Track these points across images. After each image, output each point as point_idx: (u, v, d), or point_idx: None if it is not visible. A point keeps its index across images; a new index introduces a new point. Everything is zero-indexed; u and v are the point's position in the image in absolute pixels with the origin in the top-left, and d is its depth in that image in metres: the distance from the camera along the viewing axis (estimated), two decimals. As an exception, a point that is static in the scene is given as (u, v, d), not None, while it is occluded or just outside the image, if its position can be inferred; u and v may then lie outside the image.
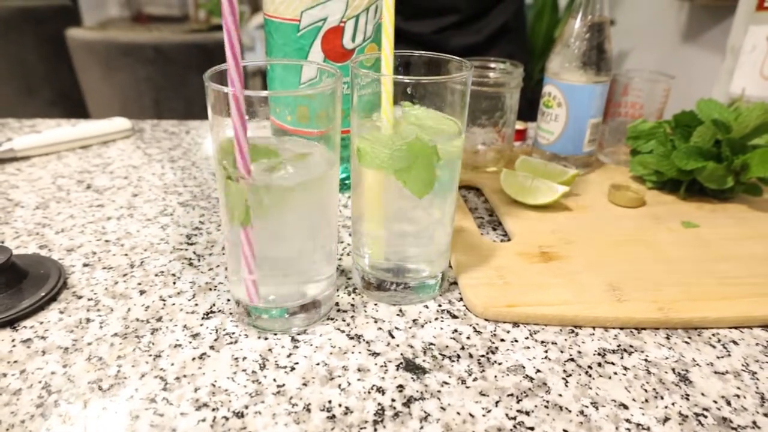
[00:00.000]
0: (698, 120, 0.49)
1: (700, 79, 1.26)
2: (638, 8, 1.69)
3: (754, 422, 0.29)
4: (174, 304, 0.36)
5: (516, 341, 0.34)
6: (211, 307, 0.36)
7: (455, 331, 0.35)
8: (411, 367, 0.32)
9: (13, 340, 0.32)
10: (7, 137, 0.63)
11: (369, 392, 0.30)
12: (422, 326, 0.35)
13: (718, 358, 0.33)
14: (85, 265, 0.40)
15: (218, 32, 1.63)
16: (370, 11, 0.45)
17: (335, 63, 0.46)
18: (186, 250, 0.42)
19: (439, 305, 0.37)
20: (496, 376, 0.31)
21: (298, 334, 0.34)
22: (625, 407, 0.29)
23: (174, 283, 0.38)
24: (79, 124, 0.65)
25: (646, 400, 0.30)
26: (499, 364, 0.32)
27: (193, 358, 0.31)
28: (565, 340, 0.34)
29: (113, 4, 6.79)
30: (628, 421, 0.28)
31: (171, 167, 0.57)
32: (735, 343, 0.35)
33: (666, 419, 0.29)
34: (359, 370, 0.31)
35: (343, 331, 0.34)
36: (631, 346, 0.34)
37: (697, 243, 0.44)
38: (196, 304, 0.36)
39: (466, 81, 0.34)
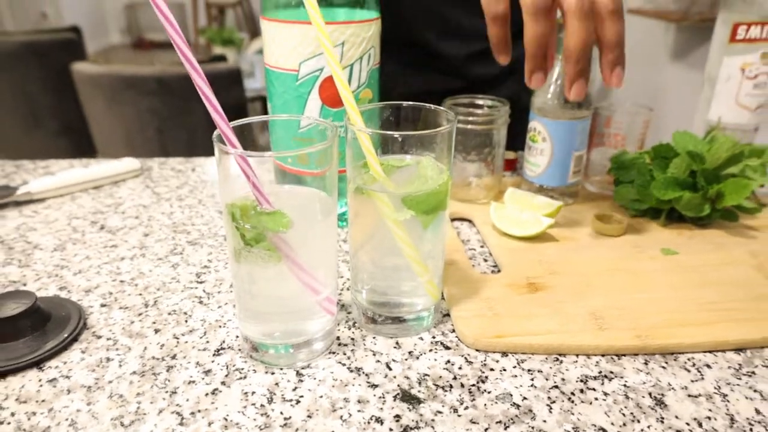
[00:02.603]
0: (675, 151, 0.52)
1: (688, 95, 1.30)
2: (627, 28, 1.73)
3: (722, 442, 0.31)
4: (186, 341, 0.39)
5: (504, 370, 0.37)
6: (221, 344, 0.39)
7: (448, 361, 0.38)
8: (407, 397, 0.34)
9: (40, 380, 0.35)
10: (23, 179, 0.66)
11: (369, 422, 0.32)
12: (417, 358, 0.38)
13: (692, 381, 0.36)
14: (103, 305, 0.43)
15: (219, 62, 1.67)
16: (363, 60, 0.48)
17: (332, 108, 0.49)
18: (196, 288, 0.45)
19: (433, 337, 0.40)
20: (485, 405, 0.34)
21: (303, 369, 0.37)
22: (605, 431, 0.32)
23: (186, 321, 0.41)
24: (90, 165, 0.69)
25: (624, 424, 0.32)
26: (489, 392, 0.35)
27: (206, 394, 0.34)
28: (550, 367, 0.37)
29: (114, 31, 6.91)
30: (606, 444, 0.31)
31: (179, 206, 0.60)
32: (708, 366, 0.38)
33: (641, 441, 0.31)
34: (359, 401, 0.34)
35: (344, 365, 0.37)
36: (611, 372, 0.37)
37: (676, 270, 0.46)
38: (207, 342, 0.39)
39: (451, 131, 0.37)
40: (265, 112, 2.91)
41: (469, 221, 0.57)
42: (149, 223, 0.56)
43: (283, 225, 0.33)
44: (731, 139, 0.53)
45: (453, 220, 0.57)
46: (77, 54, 2.17)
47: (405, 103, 0.40)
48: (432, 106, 0.39)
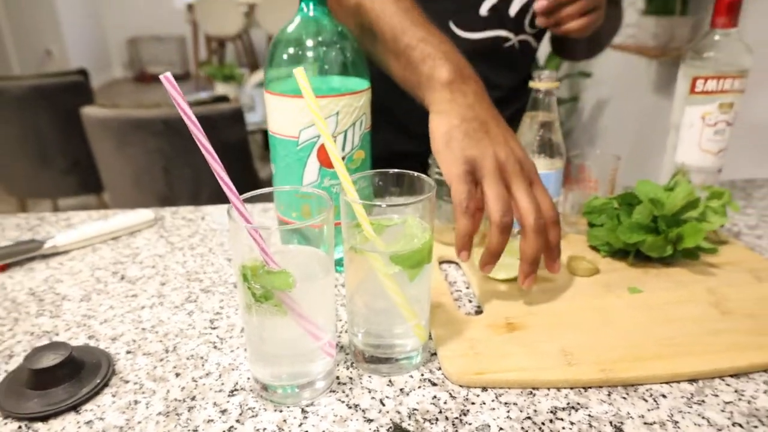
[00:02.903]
0: (638, 199, 0.58)
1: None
2: (613, 62, 1.80)
3: (669, 465, 0.36)
4: (204, 384, 0.44)
5: (484, 403, 0.42)
6: (234, 386, 0.44)
7: (434, 397, 0.43)
8: (399, 430, 0.39)
9: (78, 423, 0.40)
10: (46, 231, 0.72)
11: (364, 454, 0.37)
12: (407, 394, 0.43)
13: (648, 410, 0.41)
14: (128, 352, 0.48)
15: (222, 103, 1.75)
16: (356, 125, 0.55)
17: (329, 169, 0.55)
18: (210, 334, 0.51)
19: (422, 375, 0.45)
20: (465, 436, 0.39)
21: (307, 406, 0.42)
22: (568, 457, 0.37)
23: (203, 365, 0.46)
24: (108, 216, 0.74)
25: (585, 450, 0.38)
26: (470, 424, 0.40)
27: (223, 431, 0.39)
28: (524, 400, 0.42)
29: (117, 65, 7.06)
30: (568, 468, 0.36)
31: (191, 254, 0.66)
32: (664, 396, 0.43)
33: (599, 465, 0.36)
34: (356, 435, 0.39)
35: (343, 402, 0.42)
36: (578, 403, 0.42)
37: (640, 307, 0.52)
38: (223, 384, 0.44)
39: (431, 197, 0.42)
40: (266, 143, 2.97)
41: (456, 263, 0.63)
42: (165, 272, 0.62)
43: (289, 285, 0.38)
44: (689, 186, 0.59)
45: (441, 263, 0.63)
46: (84, 95, 2.26)
47: (391, 171, 0.45)
48: (415, 174, 0.45)
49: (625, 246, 0.58)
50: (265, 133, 3.90)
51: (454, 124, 0.50)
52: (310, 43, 0.54)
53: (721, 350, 0.46)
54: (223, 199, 0.42)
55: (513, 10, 0.79)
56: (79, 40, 6.12)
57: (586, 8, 0.70)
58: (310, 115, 0.52)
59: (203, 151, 0.39)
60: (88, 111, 1.70)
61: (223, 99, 1.79)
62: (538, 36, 0.87)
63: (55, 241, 0.65)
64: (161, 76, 0.37)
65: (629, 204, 0.58)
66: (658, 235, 0.56)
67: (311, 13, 0.53)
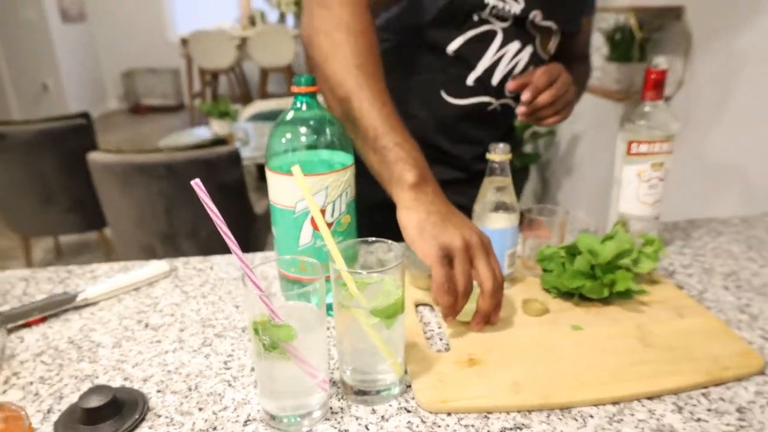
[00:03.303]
0: (579, 249, 0.69)
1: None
2: (584, 102, 1.94)
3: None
4: (223, 416, 0.55)
5: (448, 426, 0.53)
6: (248, 417, 0.54)
7: (409, 422, 0.53)
8: (379, 450, 0.50)
9: (124, 450, 0.51)
10: (75, 283, 0.82)
11: (352, 469, 0.48)
12: (387, 420, 0.54)
13: (577, 429, 0.52)
14: (158, 391, 0.59)
15: (220, 146, 1.86)
16: (342, 196, 0.66)
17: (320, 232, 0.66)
18: (225, 373, 0.61)
19: (399, 404, 0.56)
20: (431, 452, 0.49)
21: (306, 433, 0.52)
22: (510, 467, 0.48)
23: (220, 400, 0.57)
24: (128, 269, 0.85)
25: (524, 461, 0.48)
26: (435, 443, 0.50)
27: (241, 454, 0.50)
28: (480, 422, 0.53)
29: (112, 97, 7.20)
30: (510, 475, 0.47)
31: (204, 302, 0.76)
32: (591, 416, 0.53)
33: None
34: (346, 454, 0.49)
35: (335, 428, 0.53)
36: (523, 424, 0.53)
37: (579, 343, 0.63)
38: (238, 416, 0.55)
39: (402, 264, 0.54)
40: (262, 176, 3.10)
41: (430, 306, 0.74)
42: (183, 320, 0.72)
43: (291, 336, 0.49)
44: (625, 236, 0.71)
45: (417, 305, 0.74)
46: (87, 136, 2.37)
47: (370, 239, 0.57)
48: (389, 242, 0.56)
49: (570, 289, 0.69)
50: (259, 166, 4.02)
51: (422, 217, 0.63)
52: (303, 130, 0.65)
53: (640, 378, 0.57)
54: (221, 239, 0.53)
55: (495, 80, 0.91)
56: (75, 74, 6.25)
57: (560, 108, 0.87)
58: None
59: (224, 238, 0.49)
60: (94, 156, 1.81)
61: (222, 142, 1.91)
62: (517, 98, 0.99)
63: (86, 293, 0.76)
64: (192, 183, 0.48)
65: (572, 254, 0.70)
66: (595, 281, 0.67)
67: (304, 108, 0.65)
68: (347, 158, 0.68)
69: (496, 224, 0.71)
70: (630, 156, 0.80)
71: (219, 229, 0.50)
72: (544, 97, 0.85)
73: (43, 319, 0.73)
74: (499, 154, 0.70)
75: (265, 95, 6.00)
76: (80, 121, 2.33)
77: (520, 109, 0.86)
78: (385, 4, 0.91)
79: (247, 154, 2.92)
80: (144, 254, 1.97)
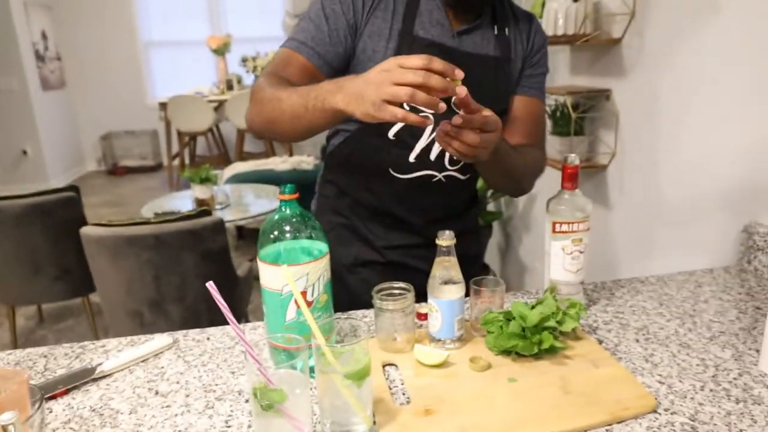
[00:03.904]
0: (512, 315, 0.86)
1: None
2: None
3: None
4: (227, 466, 0.68)
5: (407, 465, 0.67)
6: (248, 466, 0.68)
7: (376, 463, 0.68)
8: (353, 486, 0.64)
9: (150, 497, 0.64)
10: (89, 357, 0.95)
11: (332, 502, 0.62)
12: (359, 463, 0.68)
13: (507, 462, 0.67)
14: (173, 448, 0.72)
15: (206, 216, 2.01)
16: (320, 279, 0.82)
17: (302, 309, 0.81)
18: (227, 431, 0.75)
19: (369, 449, 0.70)
20: (394, 486, 0.64)
21: (295, 475, 0.66)
22: (454, 494, 0.62)
23: (225, 453, 0.70)
24: (135, 344, 0.98)
25: (465, 489, 0.63)
26: (397, 479, 0.65)
27: (244, 495, 0.63)
28: (433, 461, 0.67)
29: (91, 159, 7.30)
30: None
31: (204, 370, 0.90)
32: (519, 452, 0.68)
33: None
34: (327, 491, 0.63)
35: (318, 471, 0.67)
36: (465, 461, 0.67)
37: (512, 393, 0.78)
38: (240, 465, 0.68)
39: (366, 339, 0.69)
40: (241, 235, 3.27)
41: (395, 365, 0.88)
42: (187, 386, 0.86)
43: (283, 399, 0.64)
44: (552, 302, 0.87)
45: (384, 365, 0.88)
46: (75, 209, 2.50)
47: (344, 317, 0.72)
48: (357, 322, 0.72)
49: (507, 348, 0.85)
50: (240, 229, 4.15)
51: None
52: (287, 227, 0.82)
53: (560, 419, 0.73)
54: (207, 303, 0.67)
55: (433, 156, 1.10)
56: (54, 139, 6.37)
57: (479, 144, 0.88)
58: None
59: (232, 327, 0.64)
60: (87, 230, 1.94)
61: (206, 212, 2.06)
62: (464, 170, 1.15)
63: (102, 367, 0.89)
64: (208, 284, 0.63)
65: (508, 319, 0.86)
66: (526, 340, 0.84)
67: (287, 211, 0.81)
68: (324, 247, 0.84)
69: (447, 296, 0.87)
70: (555, 233, 0.98)
71: (229, 322, 0.65)
72: (479, 120, 0.87)
73: (67, 391, 0.85)
74: (445, 239, 0.87)
75: (242, 154, 6.19)
76: (70, 194, 2.46)
77: (455, 119, 0.86)
78: None
79: (228, 217, 3.07)
80: (131, 319, 2.08)
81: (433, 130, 1.08)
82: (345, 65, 1.08)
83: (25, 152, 6.08)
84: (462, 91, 0.80)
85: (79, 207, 2.51)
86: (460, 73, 0.78)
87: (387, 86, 0.77)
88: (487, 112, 0.88)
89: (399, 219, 1.17)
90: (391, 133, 1.08)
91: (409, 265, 1.18)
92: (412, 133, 1.08)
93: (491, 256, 2.84)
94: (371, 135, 1.10)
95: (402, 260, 1.19)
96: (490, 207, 2.73)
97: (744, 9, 1.23)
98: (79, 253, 2.05)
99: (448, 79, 0.78)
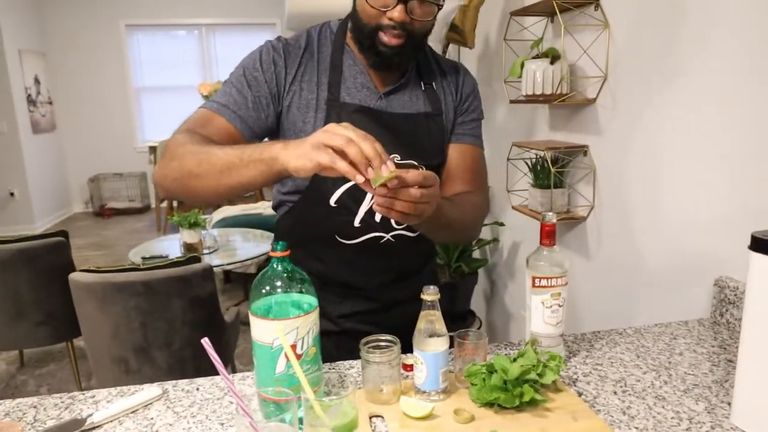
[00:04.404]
0: (494, 368, 0.89)
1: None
2: (518, 218, 2.23)
3: None
4: None
5: None
6: None
7: None
8: None
9: None
10: (79, 408, 0.96)
11: None
12: None
13: None
14: (162, 501, 0.73)
15: (195, 263, 2.03)
16: (309, 332, 0.85)
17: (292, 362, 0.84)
18: (216, 484, 0.76)
19: (355, 502, 0.72)
20: None
21: None
22: None
23: (214, 507, 0.72)
24: (125, 394, 1.00)
25: None
26: None
27: None
28: None
29: (78, 201, 7.30)
30: None
31: (193, 422, 0.91)
32: (500, 505, 0.71)
33: None
34: None
35: None
36: None
37: (495, 445, 0.81)
38: None
39: (354, 392, 0.72)
40: (228, 279, 3.30)
41: (382, 417, 0.91)
42: (176, 438, 0.87)
43: (273, 452, 0.66)
44: (532, 355, 0.91)
45: (371, 417, 0.91)
46: (63, 254, 2.50)
47: (332, 371, 0.75)
48: (345, 375, 0.75)
49: (490, 400, 0.88)
50: (228, 274, 4.15)
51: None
52: (278, 282, 0.85)
53: (539, 471, 0.75)
54: (194, 349, 0.70)
55: (378, 217, 1.11)
56: (42, 181, 6.38)
57: (413, 211, 0.86)
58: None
59: (225, 382, 0.67)
60: (75, 276, 1.96)
61: (195, 258, 2.08)
62: (408, 228, 1.15)
63: (93, 418, 0.90)
64: (203, 341, 0.66)
65: (490, 371, 0.90)
66: (508, 393, 0.87)
67: (279, 267, 0.85)
68: (313, 301, 0.87)
69: (432, 349, 0.91)
70: (534, 288, 1.02)
71: (223, 377, 0.67)
72: (411, 175, 0.84)
73: (57, 443, 0.86)
74: (430, 294, 0.91)
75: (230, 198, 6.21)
76: (59, 239, 2.47)
77: (378, 198, 0.84)
78: None
79: (216, 261, 3.09)
80: (116, 366, 2.06)
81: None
82: (266, 133, 1.11)
83: (12, 194, 6.07)
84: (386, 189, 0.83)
85: (68, 252, 2.52)
86: (387, 168, 0.81)
87: (328, 138, 0.81)
88: (417, 174, 0.85)
89: (351, 285, 1.18)
90: (332, 201, 1.09)
91: (362, 331, 1.10)
92: (353, 197, 1.10)
93: (477, 303, 2.87)
94: (313, 204, 1.11)
95: (356, 327, 1.18)
96: (476, 254, 2.78)
97: (709, 72, 1.32)
98: (65, 298, 2.05)
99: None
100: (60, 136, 6.94)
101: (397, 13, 1.00)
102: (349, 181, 1.04)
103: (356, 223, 1.11)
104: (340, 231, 1.13)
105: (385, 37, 1.03)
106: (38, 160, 6.31)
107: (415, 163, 1.12)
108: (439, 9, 1.05)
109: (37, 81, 6.42)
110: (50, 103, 6.76)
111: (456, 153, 1.18)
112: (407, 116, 1.13)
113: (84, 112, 6.97)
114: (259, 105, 1.07)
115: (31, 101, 6.24)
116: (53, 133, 6.80)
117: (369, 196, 1.09)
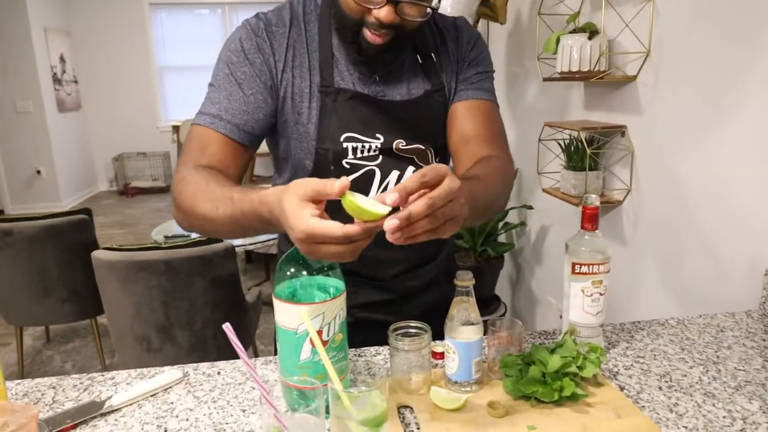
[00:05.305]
0: (532, 360, 0.83)
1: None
2: (548, 200, 2.15)
3: None
4: None
5: None
6: None
7: None
8: None
9: None
10: (98, 390, 0.94)
11: None
12: None
13: None
14: (181, 492, 0.70)
15: (216, 243, 2.00)
16: (336, 318, 0.80)
17: (317, 349, 0.79)
18: (237, 475, 0.73)
19: (384, 499, 0.68)
20: None
21: None
22: None
23: (235, 499, 0.68)
24: (145, 376, 0.97)
25: None
26: None
27: None
28: None
29: (103, 180, 7.37)
30: None
31: (214, 407, 0.88)
32: (540, 508, 0.66)
33: None
34: None
35: None
36: None
37: (533, 442, 0.76)
38: None
39: (385, 381, 0.67)
40: (249, 259, 3.29)
41: (411, 408, 0.86)
42: (197, 424, 0.84)
43: (298, 445, 0.62)
44: (572, 346, 0.85)
45: (399, 407, 0.86)
46: (87, 232, 2.50)
47: (361, 359, 0.70)
48: (375, 363, 0.70)
49: (527, 393, 0.82)
50: (247, 251, 4.16)
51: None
52: (303, 264, 0.80)
53: (582, 472, 0.70)
54: (215, 328, 0.66)
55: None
56: (67, 159, 6.45)
57: (439, 222, 0.69)
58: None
59: (248, 370, 0.63)
60: (98, 254, 1.94)
61: (217, 239, 2.05)
62: None
63: (111, 401, 0.87)
64: (224, 326, 0.62)
65: (527, 363, 0.84)
66: (546, 386, 0.81)
67: (305, 248, 0.80)
68: (340, 285, 0.82)
69: (465, 337, 0.85)
70: (574, 275, 0.96)
71: (245, 363, 0.63)
72: (417, 207, 0.65)
73: (75, 426, 0.84)
74: (464, 280, 0.85)
75: (252, 177, 6.23)
76: (82, 216, 2.46)
77: (389, 224, 0.66)
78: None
79: (238, 242, 3.07)
80: (138, 344, 2.06)
81: (382, 179, 1.01)
82: (269, 129, 1.02)
83: (39, 172, 6.15)
84: (389, 225, 0.66)
85: (91, 230, 2.52)
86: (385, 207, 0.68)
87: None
88: (425, 203, 0.66)
89: (362, 276, 1.09)
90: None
91: (378, 320, 1.07)
92: (360, 189, 0.97)
93: (502, 288, 2.81)
94: None
95: (371, 317, 1.11)
96: (502, 238, 2.71)
97: (759, 45, 1.23)
98: (89, 276, 2.05)
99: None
100: (85, 115, 6.99)
101: (384, 13, 0.88)
102: (351, 173, 0.99)
103: None
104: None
105: (369, 35, 0.92)
106: (64, 138, 6.37)
107: (422, 147, 1.03)
108: (434, 11, 0.93)
109: (62, 60, 6.46)
110: (75, 81, 6.80)
111: (465, 111, 1.04)
112: (406, 103, 1.03)
113: (108, 91, 7.00)
114: (256, 104, 0.98)
115: (56, 80, 6.27)
116: (79, 111, 6.85)
117: (376, 183, 1.01)
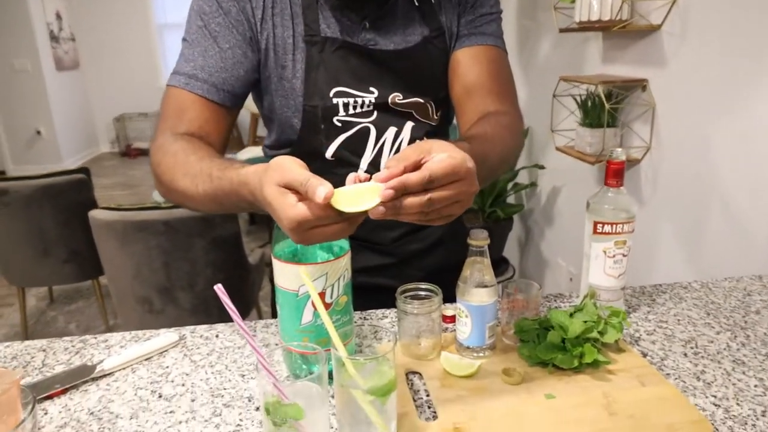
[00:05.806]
0: (551, 324, 0.78)
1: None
2: (560, 159, 2.06)
3: None
4: (235, 486, 0.61)
5: (435, 493, 0.60)
6: (257, 486, 0.61)
7: (401, 489, 0.60)
8: None
9: None
10: (90, 353, 0.89)
11: None
12: (382, 488, 0.61)
13: (548, 493, 0.59)
14: (175, 462, 0.65)
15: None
16: (340, 279, 0.74)
17: (318, 312, 0.74)
18: (235, 444, 0.68)
19: (392, 472, 0.63)
20: None
21: (310, 500, 0.59)
22: None
23: (232, 470, 0.64)
24: (140, 339, 0.92)
25: None
26: None
27: None
28: (464, 489, 0.60)
29: (105, 141, 7.28)
30: None
31: (212, 372, 0.83)
32: (561, 482, 0.61)
33: None
34: None
35: (336, 496, 0.60)
36: (501, 490, 0.60)
37: (550, 411, 0.71)
38: (249, 485, 0.61)
39: (393, 349, 0.62)
40: (253, 220, 3.24)
41: (420, 374, 0.81)
42: (193, 389, 0.79)
43: (299, 415, 0.57)
44: (592, 310, 0.79)
45: (407, 373, 0.81)
46: (85, 191, 2.45)
47: (367, 324, 0.65)
48: (383, 328, 0.64)
49: (544, 360, 0.77)
50: (252, 215, 4.10)
51: None
52: (305, 221, 0.74)
53: (604, 444, 0.65)
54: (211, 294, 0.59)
55: (383, 167, 0.83)
56: (67, 120, 6.35)
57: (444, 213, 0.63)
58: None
59: (244, 335, 0.57)
60: (95, 214, 1.89)
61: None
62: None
63: (103, 365, 0.82)
64: (216, 287, 0.56)
65: (545, 328, 0.78)
66: (566, 353, 0.76)
67: (307, 203, 0.74)
68: (345, 244, 0.76)
69: (478, 300, 0.79)
70: (596, 235, 0.89)
71: (239, 327, 0.57)
72: (410, 201, 0.60)
73: (64, 391, 0.79)
74: (478, 239, 0.79)
75: (255, 138, 6.13)
76: (80, 176, 2.40)
77: (377, 210, 0.61)
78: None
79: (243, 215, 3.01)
80: (140, 305, 2.03)
81: (378, 137, 0.94)
82: (252, 86, 0.94)
83: (38, 132, 6.07)
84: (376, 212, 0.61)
85: (90, 189, 2.46)
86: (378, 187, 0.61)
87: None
88: (422, 175, 0.59)
89: (361, 240, 1.01)
90: (328, 155, 0.94)
91: (380, 285, 1.02)
92: (352, 149, 0.93)
93: (510, 250, 2.75)
94: (306, 159, 0.86)
95: (372, 281, 1.04)
96: (511, 199, 2.64)
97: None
98: (89, 236, 2.00)
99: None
100: (84, 74, 6.85)
101: None
102: (344, 132, 0.92)
103: None
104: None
105: None
106: (63, 98, 6.26)
107: (421, 101, 0.95)
108: None
109: (58, 17, 6.28)
110: (73, 39, 6.64)
111: (468, 59, 0.95)
112: (401, 52, 0.93)
113: (107, 49, 6.84)
114: (234, 59, 0.89)
115: (53, 37, 6.12)
116: (77, 71, 6.71)
117: (371, 143, 0.93)
